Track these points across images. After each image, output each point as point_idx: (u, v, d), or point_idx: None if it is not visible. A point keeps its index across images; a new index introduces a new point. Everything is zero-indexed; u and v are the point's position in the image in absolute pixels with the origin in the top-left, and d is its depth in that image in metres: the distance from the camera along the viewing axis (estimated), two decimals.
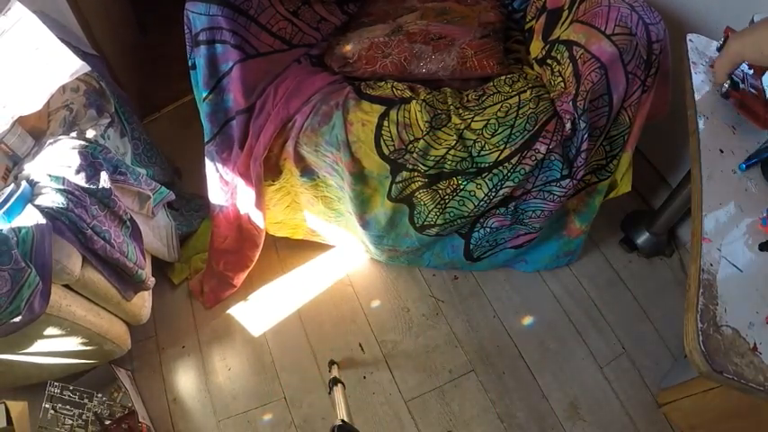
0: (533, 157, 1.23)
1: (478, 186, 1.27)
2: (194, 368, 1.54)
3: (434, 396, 1.47)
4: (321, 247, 1.70)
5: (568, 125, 1.22)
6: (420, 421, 1.43)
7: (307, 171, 1.37)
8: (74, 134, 1.25)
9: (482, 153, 1.24)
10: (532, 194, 1.33)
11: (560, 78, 1.25)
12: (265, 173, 1.36)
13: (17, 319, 0.98)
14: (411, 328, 1.58)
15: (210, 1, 1.24)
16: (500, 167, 1.24)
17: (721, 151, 0.98)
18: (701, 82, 1.08)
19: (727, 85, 1.00)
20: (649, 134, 1.37)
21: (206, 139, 1.36)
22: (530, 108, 1.24)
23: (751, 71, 1.04)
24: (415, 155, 1.25)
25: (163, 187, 1.43)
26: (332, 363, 1.45)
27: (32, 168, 1.16)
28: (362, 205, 1.38)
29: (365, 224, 1.43)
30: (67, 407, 1.29)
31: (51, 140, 1.22)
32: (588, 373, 1.50)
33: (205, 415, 1.46)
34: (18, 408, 1.20)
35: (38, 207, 1.07)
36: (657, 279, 1.65)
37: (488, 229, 1.42)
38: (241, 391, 1.50)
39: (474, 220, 1.40)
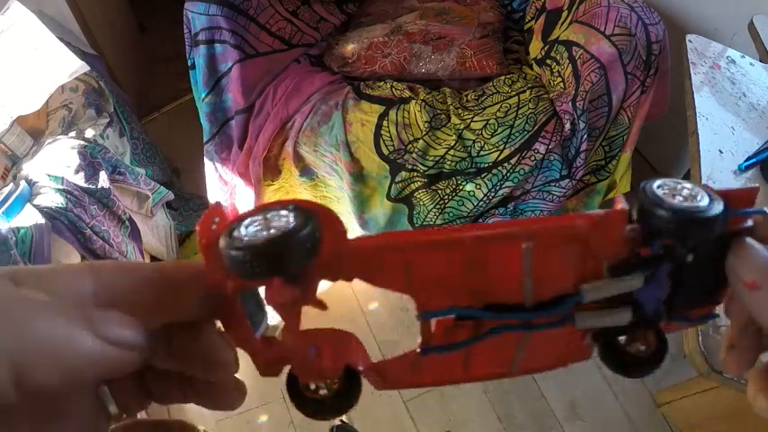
0: (533, 158, 1.23)
1: (478, 186, 1.27)
2: None
3: (433, 396, 1.47)
4: None
5: (568, 125, 1.22)
6: (419, 421, 1.43)
7: (306, 171, 1.37)
8: (73, 134, 1.25)
9: (481, 153, 1.24)
10: (531, 194, 1.33)
11: (560, 79, 1.25)
12: (264, 173, 1.36)
13: None
14: (410, 329, 1.58)
15: (210, 1, 1.24)
16: (499, 167, 1.24)
17: (721, 152, 0.98)
18: (700, 82, 1.08)
19: None
20: (648, 134, 1.37)
21: (205, 139, 1.36)
22: (529, 108, 1.24)
23: None
24: (414, 155, 1.25)
25: (162, 187, 1.43)
26: None
27: (31, 168, 1.16)
28: (361, 205, 1.38)
29: (364, 224, 1.43)
30: None
31: (50, 140, 1.22)
32: (587, 373, 1.50)
33: (203, 416, 1.46)
34: None
35: (37, 207, 1.07)
36: None
37: None
38: None
39: (473, 220, 1.40)
